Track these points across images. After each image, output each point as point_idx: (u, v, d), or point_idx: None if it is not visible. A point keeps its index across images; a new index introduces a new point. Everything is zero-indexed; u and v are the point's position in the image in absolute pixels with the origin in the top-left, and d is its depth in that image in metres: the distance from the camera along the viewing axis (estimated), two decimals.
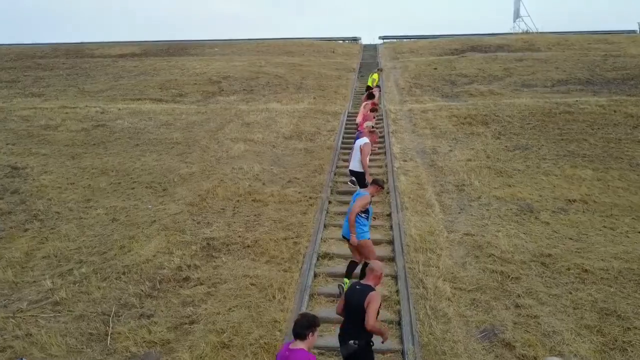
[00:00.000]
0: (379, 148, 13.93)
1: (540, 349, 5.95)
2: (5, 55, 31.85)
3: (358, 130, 11.87)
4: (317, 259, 8.32)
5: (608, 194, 10.72)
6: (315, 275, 7.84)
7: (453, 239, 8.79)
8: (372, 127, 11.18)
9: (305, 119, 16.72)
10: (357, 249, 7.13)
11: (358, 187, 9.90)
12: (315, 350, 5.80)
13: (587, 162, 12.40)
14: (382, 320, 6.68)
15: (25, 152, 14.32)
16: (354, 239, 6.91)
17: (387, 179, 11.74)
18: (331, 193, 11.26)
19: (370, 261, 6.07)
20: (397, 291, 7.29)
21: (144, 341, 6.31)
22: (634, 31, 36.94)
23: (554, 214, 9.79)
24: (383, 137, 14.82)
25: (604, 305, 6.74)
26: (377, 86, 18.04)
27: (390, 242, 8.82)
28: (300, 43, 34.43)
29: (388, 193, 10.99)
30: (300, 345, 4.11)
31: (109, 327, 6.65)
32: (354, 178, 10.66)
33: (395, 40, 36.91)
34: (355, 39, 37.43)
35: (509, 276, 7.55)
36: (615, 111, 15.82)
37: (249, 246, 8.64)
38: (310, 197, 10.75)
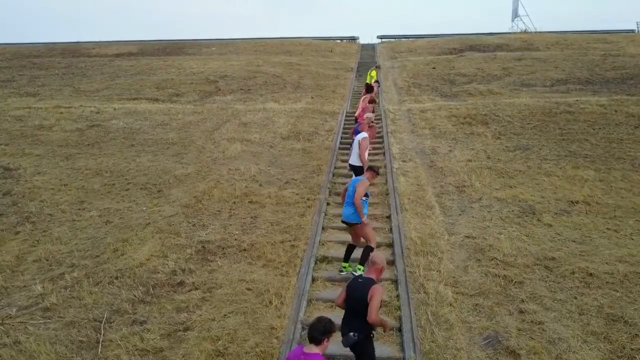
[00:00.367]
0: (378, 149, 13.75)
1: (546, 356, 5.76)
2: (1, 55, 31.55)
3: (357, 122, 12.12)
4: (315, 263, 8.12)
5: (611, 195, 10.54)
6: (313, 280, 7.63)
7: (454, 242, 8.59)
8: (372, 119, 11.35)
9: (303, 119, 16.52)
10: (358, 232, 7.60)
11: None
12: None
13: (588, 163, 12.23)
14: None
15: (18, 152, 14.08)
16: (365, 221, 7.48)
17: (386, 180, 11.56)
18: (329, 194, 11.07)
19: (372, 254, 6.23)
20: (398, 296, 7.08)
21: (136, 349, 6.09)
22: (632, 30, 36.89)
23: (556, 216, 9.61)
24: (382, 137, 14.64)
25: (611, 311, 6.55)
26: (376, 81, 17.98)
27: (390, 245, 8.62)
28: (298, 42, 34.24)
29: (387, 195, 10.80)
30: (315, 349, 4.11)
31: (100, 334, 6.43)
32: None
33: (393, 39, 36.76)
34: (353, 39, 37.26)
35: (512, 280, 7.36)
36: (616, 111, 15.66)
37: (245, 249, 8.43)
38: (308, 199, 10.54)
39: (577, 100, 17.02)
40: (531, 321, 6.43)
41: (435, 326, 6.34)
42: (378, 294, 4.94)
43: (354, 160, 10.21)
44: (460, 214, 9.75)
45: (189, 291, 7.31)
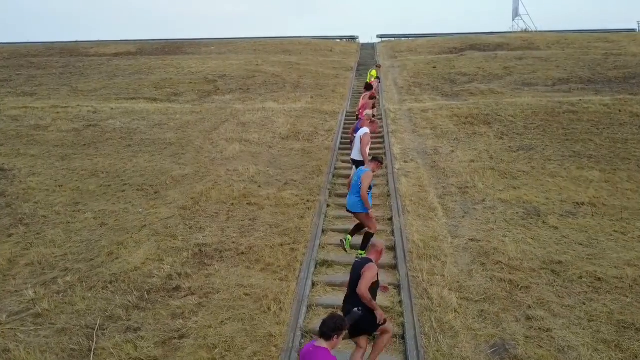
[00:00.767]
0: (379, 149, 13.51)
1: None
2: None
3: (358, 119, 12.10)
4: (316, 267, 7.88)
5: (617, 197, 10.32)
6: (313, 285, 7.40)
7: (458, 245, 8.37)
8: (372, 115, 11.24)
9: (302, 119, 16.30)
10: (361, 220, 8.07)
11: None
12: None
13: (593, 163, 12.01)
14: None
15: (13, 153, 13.86)
16: (372, 212, 7.99)
17: (387, 181, 11.34)
18: (330, 196, 10.85)
19: (373, 239, 6.63)
20: (400, 302, 6.85)
21: (130, 358, 5.86)
22: (633, 30, 36.71)
23: (562, 218, 9.38)
24: (383, 137, 14.42)
25: (621, 318, 6.32)
26: (377, 78, 17.82)
27: (392, 249, 8.39)
28: (297, 42, 34.03)
29: (389, 196, 10.58)
30: (324, 344, 4.17)
31: (92, 342, 6.20)
32: None
33: (393, 39, 36.58)
34: (353, 38, 37.08)
35: (518, 285, 7.13)
36: (620, 110, 15.44)
37: (243, 253, 8.20)
38: (308, 200, 10.31)
39: (580, 99, 16.80)
40: (539, 328, 6.20)
41: (439, 333, 6.11)
42: (370, 270, 5.26)
43: (356, 155, 10.16)
44: (463, 216, 9.53)
45: (185, 296, 7.08)
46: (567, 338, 5.99)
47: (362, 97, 13.89)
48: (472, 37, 32.98)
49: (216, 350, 5.90)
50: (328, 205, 10.30)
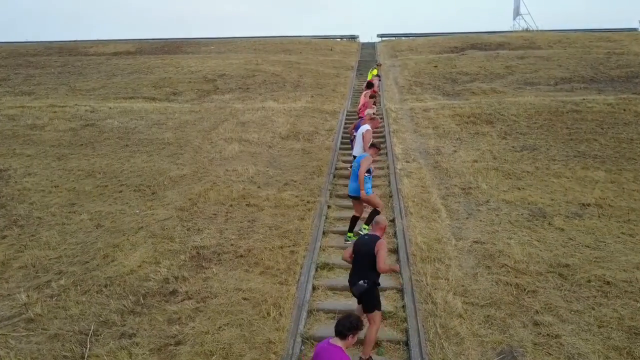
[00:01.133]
0: (380, 149, 13.28)
1: None
2: None
3: (359, 117, 12.17)
4: (316, 270, 7.67)
5: (623, 198, 10.11)
6: (314, 289, 7.19)
7: (462, 248, 8.16)
8: (372, 115, 11.23)
9: (302, 118, 16.09)
10: (365, 202, 8.51)
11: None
12: None
13: (599, 164, 11.80)
14: (387, 341, 6.12)
15: (8, 153, 13.66)
16: (363, 194, 8.29)
17: (389, 182, 11.14)
18: (330, 197, 10.64)
19: (376, 216, 6.85)
20: (404, 307, 6.64)
21: None
22: (634, 29, 36.48)
23: (568, 219, 9.18)
24: (384, 137, 14.21)
25: (632, 323, 6.11)
26: (377, 75, 17.65)
27: (395, 251, 8.18)
28: (297, 41, 33.82)
29: (391, 197, 10.37)
30: (339, 343, 4.25)
31: (85, 348, 6.00)
32: None
33: (393, 38, 36.34)
34: (353, 37, 36.85)
35: (524, 289, 6.92)
36: (624, 110, 15.22)
37: (242, 255, 7.99)
38: (308, 201, 10.11)
39: (584, 99, 16.58)
40: (547, 334, 6.00)
41: (444, 340, 5.91)
42: (383, 248, 5.70)
43: (358, 151, 10.23)
44: (467, 218, 9.32)
45: (181, 301, 6.87)
46: (576, 345, 5.79)
47: (363, 95, 13.80)
48: (473, 37, 32.75)
49: (213, 358, 5.70)
50: (329, 207, 10.10)
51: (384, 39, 36.11)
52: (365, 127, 10.20)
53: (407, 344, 5.99)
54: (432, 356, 5.68)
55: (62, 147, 14.07)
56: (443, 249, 8.06)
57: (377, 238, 5.78)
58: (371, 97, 13.37)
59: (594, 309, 6.49)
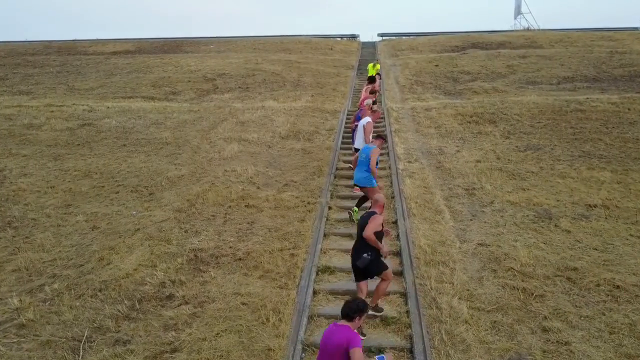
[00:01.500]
0: (381, 148, 13.08)
1: None
2: None
3: (359, 108, 12.15)
4: (317, 274, 7.45)
5: (630, 198, 9.90)
6: (314, 293, 6.98)
7: (467, 250, 7.95)
8: (371, 105, 11.42)
9: (302, 118, 15.88)
10: (368, 194, 8.78)
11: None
12: None
13: (604, 164, 11.59)
14: (391, 347, 5.90)
15: (4, 152, 13.44)
16: (380, 185, 9.02)
17: (391, 183, 10.93)
18: (331, 197, 10.43)
19: (375, 194, 7.23)
20: (408, 312, 6.43)
21: None
22: (636, 28, 36.26)
23: (574, 221, 8.96)
24: (385, 136, 13.98)
25: None
26: (378, 73, 17.55)
27: (398, 254, 7.97)
28: (297, 40, 33.61)
29: (393, 198, 10.16)
30: (346, 323, 4.36)
31: (78, 355, 5.80)
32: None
33: (394, 37, 36.11)
34: (353, 36, 36.62)
35: (532, 294, 6.71)
36: (629, 109, 15.02)
37: (240, 259, 7.78)
38: (308, 203, 9.90)
39: (587, 98, 16.37)
40: (557, 341, 5.79)
41: (450, 347, 5.70)
42: (376, 219, 6.01)
43: (359, 143, 10.38)
44: (471, 219, 9.11)
45: (178, 306, 6.66)
46: (587, 352, 5.58)
47: (364, 90, 13.86)
48: (474, 36, 32.56)
49: None
50: (329, 208, 9.89)
51: (384, 38, 35.90)
52: (367, 119, 10.38)
53: (411, 351, 5.78)
54: None
55: (59, 147, 13.87)
56: (447, 252, 7.85)
57: (374, 213, 6.14)
58: (372, 92, 13.30)
59: (604, 314, 6.28)
